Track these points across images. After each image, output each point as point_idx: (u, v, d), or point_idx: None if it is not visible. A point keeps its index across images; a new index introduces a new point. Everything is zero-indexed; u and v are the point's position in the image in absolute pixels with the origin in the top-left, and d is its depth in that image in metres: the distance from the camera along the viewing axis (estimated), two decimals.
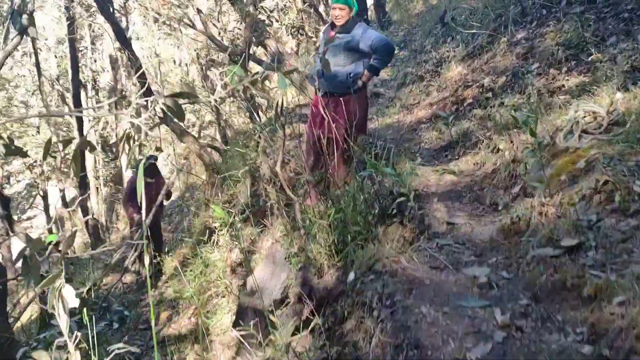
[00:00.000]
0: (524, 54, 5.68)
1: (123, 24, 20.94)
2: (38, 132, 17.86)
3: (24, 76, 18.76)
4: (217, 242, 6.07)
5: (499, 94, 5.29)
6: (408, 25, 11.65)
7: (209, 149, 6.92)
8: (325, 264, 3.04)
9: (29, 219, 19.54)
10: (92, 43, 17.87)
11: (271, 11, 7.19)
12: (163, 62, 20.90)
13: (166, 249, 7.30)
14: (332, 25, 4.38)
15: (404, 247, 2.65)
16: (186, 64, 14.94)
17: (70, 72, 11.55)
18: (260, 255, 4.75)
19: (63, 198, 12.64)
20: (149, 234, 6.71)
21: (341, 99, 4.26)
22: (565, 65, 4.80)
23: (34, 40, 7.09)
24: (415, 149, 5.15)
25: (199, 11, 8.68)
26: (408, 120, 6.39)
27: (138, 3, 13.75)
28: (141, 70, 6.49)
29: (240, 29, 6.86)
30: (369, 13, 16.59)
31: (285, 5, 14.04)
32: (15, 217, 20.00)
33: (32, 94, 17.57)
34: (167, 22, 9.48)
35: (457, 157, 4.20)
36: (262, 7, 7.20)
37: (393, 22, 13.02)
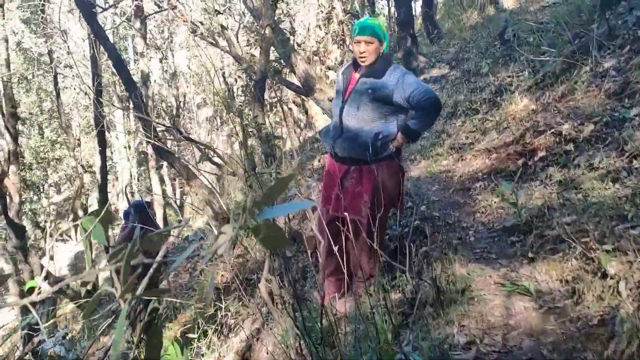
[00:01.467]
0: (618, 92, 4.29)
1: (165, 35, 20.42)
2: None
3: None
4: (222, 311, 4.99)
5: (585, 149, 3.94)
6: (460, 39, 10.25)
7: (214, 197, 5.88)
8: None
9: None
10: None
11: (293, 31, 6.05)
12: (199, 73, 20.24)
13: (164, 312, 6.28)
14: (355, 65, 3.19)
15: None
16: (223, 75, 14.10)
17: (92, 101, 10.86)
18: None
19: None
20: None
21: (366, 168, 3.06)
22: None
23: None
24: (468, 223, 3.87)
25: (222, 28, 7.69)
26: (459, 170, 5.08)
27: (176, 15, 13.06)
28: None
29: (255, 55, 5.76)
30: (417, 22, 15.24)
31: (328, 15, 12.94)
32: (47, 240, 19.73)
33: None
34: (201, 36, 8.56)
35: (530, 256, 2.91)
36: (283, 29, 6.09)
37: (443, 35, 11.64)
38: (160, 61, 21.32)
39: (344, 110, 3.09)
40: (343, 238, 3.36)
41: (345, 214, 3.16)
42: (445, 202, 4.35)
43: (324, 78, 12.96)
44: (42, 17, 12.49)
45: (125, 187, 14.61)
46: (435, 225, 3.87)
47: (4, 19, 10.49)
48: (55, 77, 13.16)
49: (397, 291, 3.20)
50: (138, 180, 18.24)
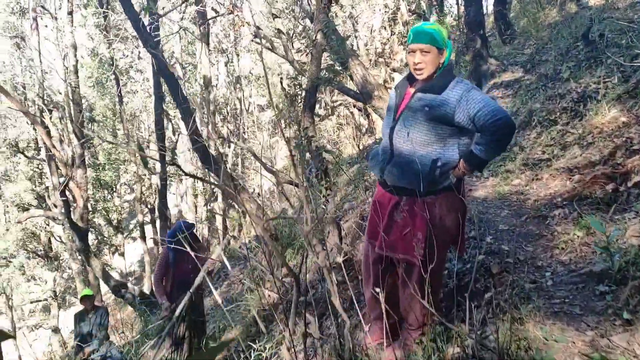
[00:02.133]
0: None
1: (230, 38, 20.59)
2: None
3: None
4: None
5: None
6: (537, 40, 9.38)
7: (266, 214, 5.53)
8: None
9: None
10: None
11: (354, 34, 5.57)
12: (260, 77, 20.23)
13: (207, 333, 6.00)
14: (411, 78, 2.71)
15: None
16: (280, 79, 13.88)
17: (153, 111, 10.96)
18: None
19: None
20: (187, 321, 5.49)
21: (420, 200, 2.58)
22: None
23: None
24: (544, 261, 3.26)
25: (279, 32, 7.38)
26: (533, 193, 4.44)
27: (236, 18, 13.03)
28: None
29: (304, 62, 5.37)
30: (488, 22, 14.32)
31: (393, 15, 12.39)
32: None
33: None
34: (259, 40, 8.33)
35: (626, 317, 2.31)
36: (342, 32, 5.62)
37: (517, 35, 10.77)
38: (226, 65, 21.57)
39: (395, 130, 2.61)
40: (391, 279, 2.90)
41: (395, 253, 2.71)
42: (517, 232, 3.75)
43: (389, 81, 12.42)
44: (105, 24, 12.80)
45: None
46: (503, 262, 3.29)
47: (72, 26, 10.78)
48: (117, 81, 13.44)
49: (455, 345, 2.69)
50: (202, 185, 18.43)
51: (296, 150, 4.68)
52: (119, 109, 12.45)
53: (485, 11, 12.22)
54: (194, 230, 5.37)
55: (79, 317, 6.57)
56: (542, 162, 4.98)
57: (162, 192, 11.34)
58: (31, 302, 22.12)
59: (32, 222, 21.65)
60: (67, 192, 10.56)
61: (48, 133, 11.30)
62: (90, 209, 11.50)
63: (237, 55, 20.74)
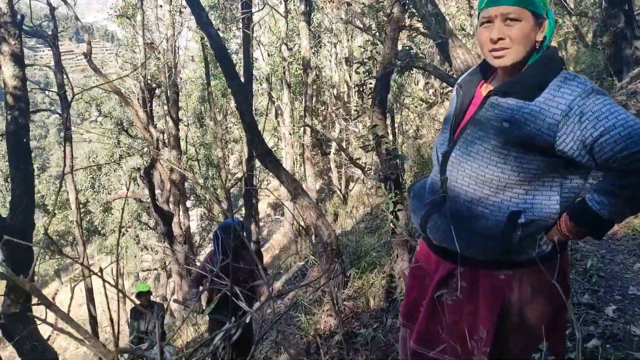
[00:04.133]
0: None
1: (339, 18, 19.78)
2: None
3: None
4: None
5: None
6: None
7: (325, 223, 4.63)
8: None
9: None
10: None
11: (437, 15, 4.40)
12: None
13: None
14: (485, 70, 1.64)
15: None
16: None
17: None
18: None
19: None
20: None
21: (486, 275, 1.53)
22: None
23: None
24: None
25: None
26: None
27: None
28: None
29: (377, 44, 4.31)
30: None
31: None
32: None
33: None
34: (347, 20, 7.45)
35: None
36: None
37: None
38: (335, 46, 20.81)
39: (450, 158, 1.58)
40: None
41: (441, 355, 1.70)
42: None
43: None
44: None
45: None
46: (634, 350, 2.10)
47: (170, 4, 10.62)
48: (206, 63, 13.21)
49: None
50: (301, 167, 17.98)
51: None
52: (207, 90, 12.27)
53: None
54: (243, 233, 4.66)
55: (136, 313, 6.28)
56: None
57: (250, 177, 10.93)
58: (143, 271, 23.57)
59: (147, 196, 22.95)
60: (158, 175, 10.54)
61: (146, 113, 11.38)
62: (179, 191, 11.46)
63: (350, 36, 19.84)
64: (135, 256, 24.37)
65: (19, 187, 5.96)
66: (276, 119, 19.09)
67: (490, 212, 1.48)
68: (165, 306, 6.44)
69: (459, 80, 1.67)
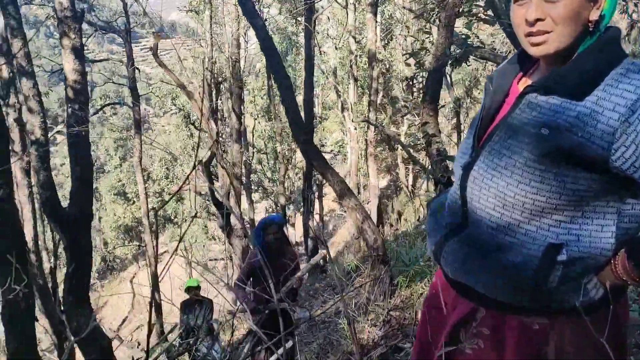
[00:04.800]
0: None
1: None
2: None
3: None
4: None
5: None
6: None
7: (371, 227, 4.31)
8: None
9: None
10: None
11: None
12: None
13: None
14: (523, 59, 1.28)
15: None
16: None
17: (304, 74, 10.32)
18: None
19: None
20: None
21: (517, 321, 1.19)
22: None
23: None
24: None
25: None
26: None
27: None
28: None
29: (431, 32, 3.89)
30: None
31: None
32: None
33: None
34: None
35: None
36: None
37: None
38: (406, 38, 20.21)
39: (471, 172, 1.25)
40: None
41: None
42: None
43: None
44: None
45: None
46: None
47: None
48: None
49: None
50: (366, 162, 17.63)
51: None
52: (267, 82, 12.22)
53: None
54: (284, 228, 4.44)
55: (186, 307, 6.29)
56: None
57: (308, 174, 10.77)
58: (210, 260, 24.25)
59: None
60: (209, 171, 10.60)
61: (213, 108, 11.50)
62: (241, 184, 11.53)
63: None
64: (204, 246, 25.11)
65: (78, 178, 6.11)
66: (342, 113, 18.84)
67: (522, 243, 1.14)
68: (212, 302, 6.39)
69: (490, 74, 1.33)
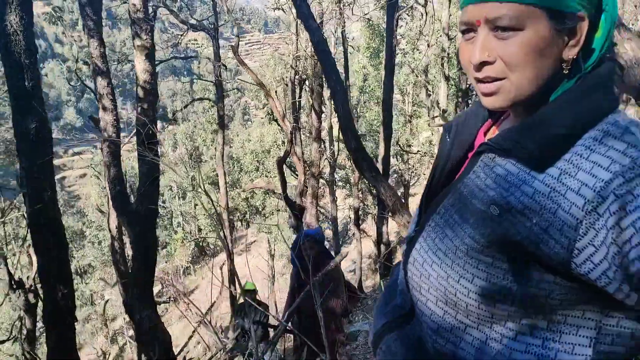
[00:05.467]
0: None
1: None
2: None
3: None
4: None
5: None
6: None
7: None
8: None
9: None
10: None
11: None
12: None
13: None
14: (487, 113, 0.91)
15: None
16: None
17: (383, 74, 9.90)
18: None
19: None
20: None
21: None
22: None
23: None
24: None
25: None
26: None
27: None
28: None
29: None
30: None
31: None
32: None
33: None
34: None
35: None
36: None
37: None
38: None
39: (412, 251, 0.89)
40: None
41: None
42: None
43: None
44: None
45: None
46: None
47: None
48: (345, 53, 12.77)
49: None
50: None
51: None
52: (344, 80, 11.94)
53: None
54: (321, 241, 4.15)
55: (241, 311, 6.23)
56: None
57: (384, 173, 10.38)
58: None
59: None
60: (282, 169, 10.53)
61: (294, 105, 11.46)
62: (317, 183, 11.40)
63: None
64: (289, 238, 25.51)
65: (145, 175, 6.25)
66: (430, 112, 18.11)
67: (467, 354, 0.78)
68: (268, 307, 6.29)
69: (450, 121, 0.96)
